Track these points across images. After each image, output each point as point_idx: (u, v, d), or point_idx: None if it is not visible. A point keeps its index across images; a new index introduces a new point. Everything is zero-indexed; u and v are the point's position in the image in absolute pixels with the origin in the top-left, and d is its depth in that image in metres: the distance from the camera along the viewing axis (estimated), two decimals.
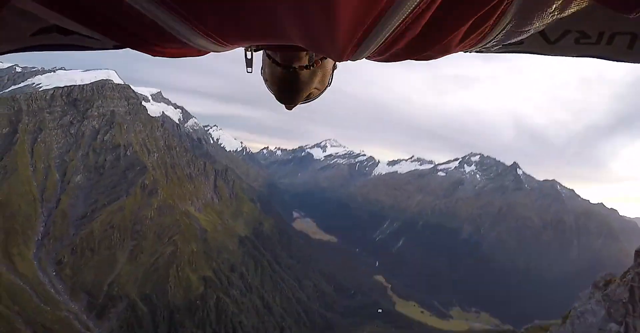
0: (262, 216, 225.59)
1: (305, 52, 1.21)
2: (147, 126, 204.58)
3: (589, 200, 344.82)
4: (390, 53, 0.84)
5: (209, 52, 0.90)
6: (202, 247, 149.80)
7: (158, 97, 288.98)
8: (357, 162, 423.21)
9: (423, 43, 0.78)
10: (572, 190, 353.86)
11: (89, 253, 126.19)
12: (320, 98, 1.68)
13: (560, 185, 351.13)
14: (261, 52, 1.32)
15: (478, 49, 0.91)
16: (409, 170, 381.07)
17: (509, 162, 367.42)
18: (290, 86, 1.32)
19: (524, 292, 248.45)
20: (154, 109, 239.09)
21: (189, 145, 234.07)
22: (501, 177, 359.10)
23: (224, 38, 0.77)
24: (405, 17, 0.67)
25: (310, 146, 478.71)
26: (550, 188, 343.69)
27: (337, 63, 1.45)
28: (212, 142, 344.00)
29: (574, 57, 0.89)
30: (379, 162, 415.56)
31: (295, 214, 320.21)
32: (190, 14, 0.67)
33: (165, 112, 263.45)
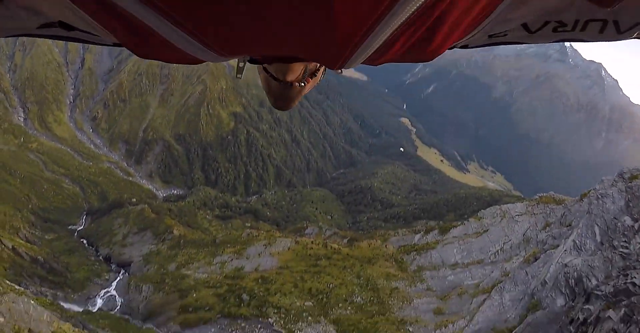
0: None
1: (298, 68, 1.29)
2: None
3: (629, 98, 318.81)
4: (384, 58, 0.86)
5: (205, 62, 0.90)
6: (231, 84, 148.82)
7: None
8: None
9: (420, 46, 0.80)
10: (616, 81, 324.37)
11: (121, 104, 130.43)
12: None
13: (606, 71, 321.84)
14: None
15: (465, 43, 0.95)
16: None
17: None
18: (285, 97, 1.46)
19: (542, 165, 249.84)
20: None
21: None
22: (546, 44, 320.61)
23: (223, 48, 0.77)
24: (400, 26, 0.69)
25: None
26: (595, 71, 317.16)
27: None
28: None
29: (550, 42, 0.97)
30: None
31: None
32: (191, 24, 0.68)
33: None
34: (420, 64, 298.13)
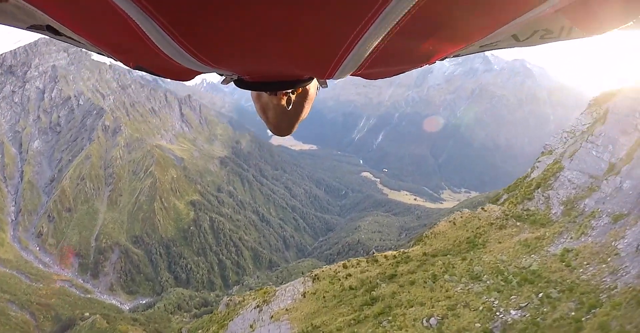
0: (238, 134, 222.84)
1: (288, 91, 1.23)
2: (94, 72, 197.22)
3: (560, 79, 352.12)
4: (373, 71, 0.85)
5: (190, 77, 0.90)
6: (183, 173, 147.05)
7: None
8: None
9: (411, 54, 0.78)
10: (543, 68, 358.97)
11: (67, 214, 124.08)
12: None
13: (530, 63, 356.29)
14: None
15: (457, 53, 0.92)
16: None
17: None
18: (283, 122, 1.41)
19: (508, 168, 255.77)
20: None
21: (144, 82, 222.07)
22: (469, 60, 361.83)
23: (212, 60, 0.74)
24: (387, 33, 0.65)
25: None
26: (520, 66, 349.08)
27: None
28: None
29: (535, 46, 0.95)
30: None
31: (269, 131, 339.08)
32: (183, 35, 0.64)
33: None
34: (363, 118, 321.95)
